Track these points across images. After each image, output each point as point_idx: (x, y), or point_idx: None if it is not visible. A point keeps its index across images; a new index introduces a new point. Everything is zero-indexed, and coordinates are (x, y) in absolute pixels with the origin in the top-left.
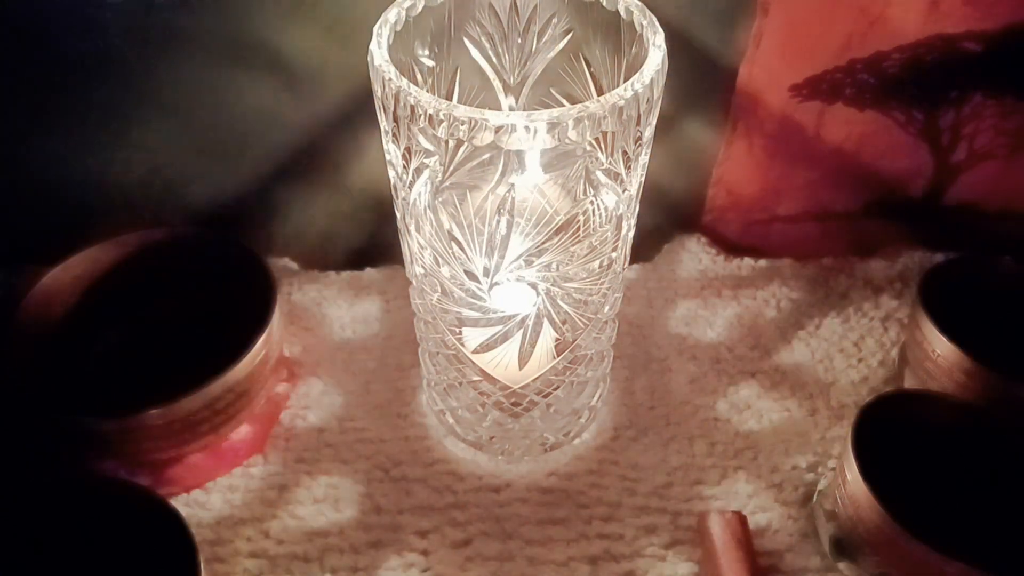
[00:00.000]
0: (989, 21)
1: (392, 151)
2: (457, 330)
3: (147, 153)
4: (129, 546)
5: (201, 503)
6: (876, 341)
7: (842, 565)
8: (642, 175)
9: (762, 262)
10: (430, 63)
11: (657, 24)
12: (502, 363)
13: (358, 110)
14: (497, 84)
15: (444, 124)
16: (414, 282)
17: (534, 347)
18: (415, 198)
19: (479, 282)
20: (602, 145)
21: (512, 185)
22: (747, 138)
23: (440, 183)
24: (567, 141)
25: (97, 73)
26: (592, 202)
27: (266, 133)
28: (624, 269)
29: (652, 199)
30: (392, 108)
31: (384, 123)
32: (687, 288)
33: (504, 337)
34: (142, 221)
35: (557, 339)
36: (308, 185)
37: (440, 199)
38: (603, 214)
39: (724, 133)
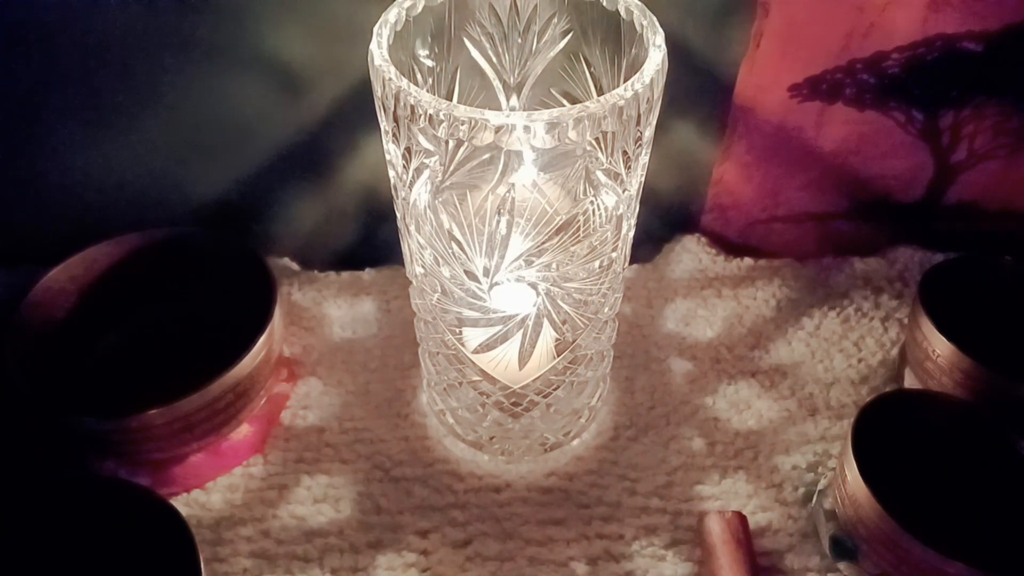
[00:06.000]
0: (989, 21)
1: (392, 151)
2: (457, 330)
3: (147, 153)
4: (129, 546)
5: (201, 503)
6: (876, 341)
7: (842, 565)
8: (642, 175)
9: (762, 262)
10: (430, 63)
11: (657, 24)
12: (502, 363)
13: (359, 110)
14: (497, 84)
15: (444, 124)
16: (414, 282)
17: (534, 347)
18: (415, 198)
19: (479, 282)
20: (602, 145)
21: (512, 185)
22: (747, 138)
23: (440, 183)
24: (567, 141)
25: (98, 73)
26: (592, 202)
27: (266, 133)
28: (624, 269)
29: (652, 199)
30: (392, 108)
31: (384, 123)
32: (687, 288)
33: (504, 337)
34: (142, 221)
35: (557, 339)
36: (308, 185)
37: (440, 199)
38: (603, 214)
39: (724, 133)
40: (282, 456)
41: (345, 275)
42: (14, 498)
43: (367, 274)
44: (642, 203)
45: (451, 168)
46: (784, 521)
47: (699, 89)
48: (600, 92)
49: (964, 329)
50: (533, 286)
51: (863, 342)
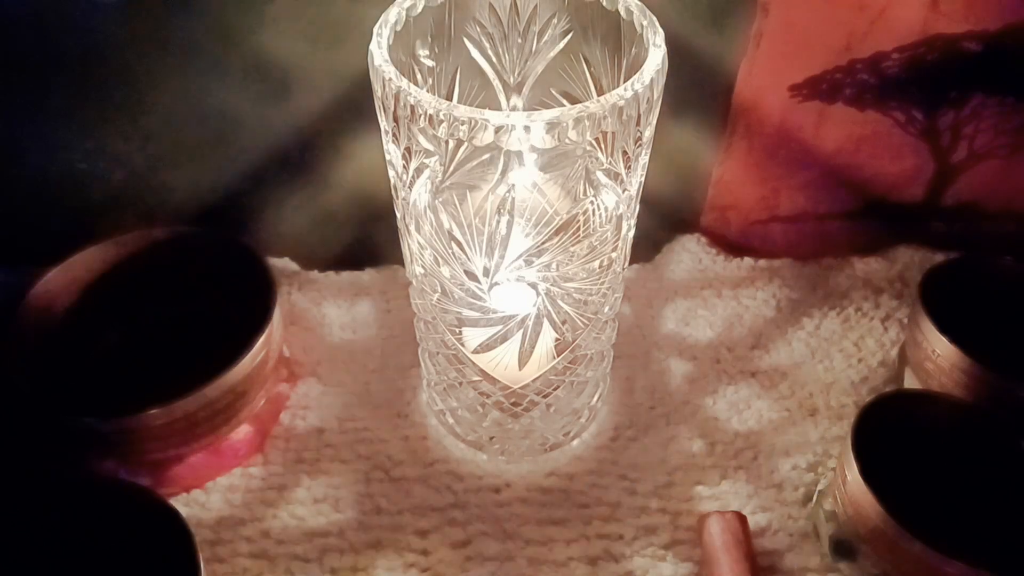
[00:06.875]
0: (989, 21)
1: (392, 151)
2: (457, 330)
3: (148, 153)
4: (129, 546)
5: (201, 503)
6: (876, 341)
7: (842, 565)
8: (642, 175)
9: (762, 262)
10: (430, 63)
11: (657, 24)
12: (502, 363)
13: (358, 110)
14: (497, 84)
15: (444, 124)
16: (414, 282)
17: (534, 347)
18: (415, 198)
19: (479, 282)
20: (602, 145)
21: (512, 185)
22: (747, 138)
23: (440, 183)
24: (567, 141)
25: (97, 74)
26: (592, 202)
27: (265, 132)
28: (624, 269)
29: (652, 199)
30: (392, 108)
31: (384, 123)
32: (687, 288)
33: (504, 337)
34: (142, 221)
35: (557, 339)
36: (308, 185)
37: (440, 199)
38: (603, 214)
39: (724, 133)
40: (282, 456)
41: (345, 275)
42: (14, 498)
43: (367, 274)
44: (642, 203)
45: (451, 168)
46: (784, 521)
47: (699, 89)
48: (600, 92)
49: (964, 329)
50: (533, 286)
51: (863, 342)
